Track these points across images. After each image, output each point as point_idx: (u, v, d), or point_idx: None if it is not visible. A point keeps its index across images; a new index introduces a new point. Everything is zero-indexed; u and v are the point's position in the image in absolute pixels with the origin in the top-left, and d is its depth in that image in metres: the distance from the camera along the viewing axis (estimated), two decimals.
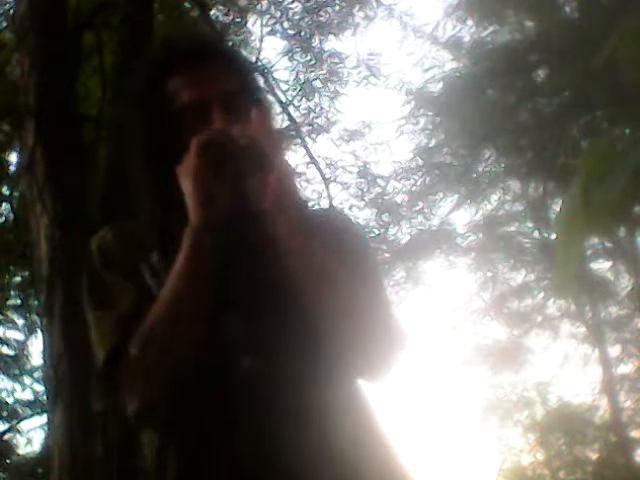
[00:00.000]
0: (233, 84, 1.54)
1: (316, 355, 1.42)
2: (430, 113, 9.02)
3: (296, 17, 7.71)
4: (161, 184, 1.50)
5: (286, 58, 7.76)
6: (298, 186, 1.49)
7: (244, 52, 6.58)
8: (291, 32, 7.73)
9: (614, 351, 11.60)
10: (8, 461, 8.55)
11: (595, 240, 9.22)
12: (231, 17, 7.41)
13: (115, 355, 1.41)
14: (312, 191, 7.54)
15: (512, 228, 10.37)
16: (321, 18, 7.80)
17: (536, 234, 10.36)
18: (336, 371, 1.44)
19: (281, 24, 7.66)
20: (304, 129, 7.71)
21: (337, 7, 7.90)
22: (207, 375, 1.40)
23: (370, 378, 1.50)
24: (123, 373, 1.40)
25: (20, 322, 8.07)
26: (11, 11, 5.11)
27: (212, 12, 6.78)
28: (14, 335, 8.34)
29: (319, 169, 7.30)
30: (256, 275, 1.47)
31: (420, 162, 9.24)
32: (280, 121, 6.56)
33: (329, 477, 1.37)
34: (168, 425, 1.44)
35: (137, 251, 1.50)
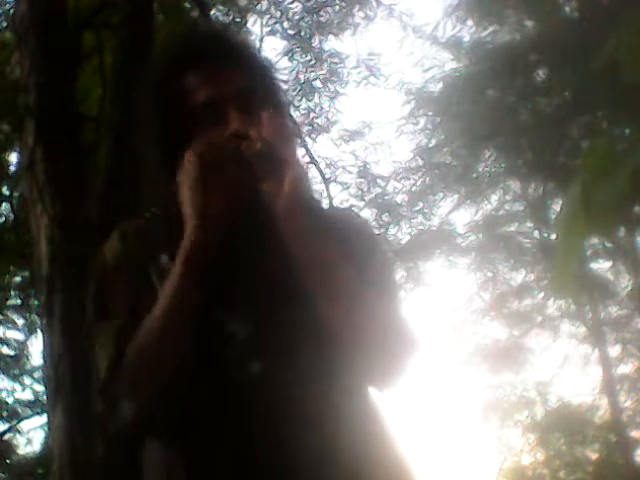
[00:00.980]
0: (249, 83, 1.50)
1: (326, 359, 1.40)
2: (430, 113, 9.02)
3: (296, 17, 7.72)
4: (175, 182, 1.47)
5: (286, 58, 7.78)
6: (311, 187, 1.48)
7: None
8: (291, 32, 7.74)
9: (614, 351, 11.61)
10: (8, 461, 8.55)
11: (595, 240, 9.22)
12: (231, 17, 7.41)
13: (113, 366, 1.42)
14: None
15: (512, 228, 10.37)
16: (321, 18, 7.81)
17: (536, 234, 10.37)
18: (347, 375, 1.42)
19: (281, 24, 7.67)
20: (304, 129, 7.71)
21: (337, 7, 7.90)
22: (215, 377, 1.39)
23: (381, 384, 1.47)
24: (120, 382, 1.41)
25: (20, 322, 8.08)
26: (11, 11, 5.10)
27: (212, 12, 6.78)
28: (14, 335, 8.36)
29: (319, 169, 7.31)
30: (267, 277, 1.45)
31: (420, 162, 9.25)
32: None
33: None
34: (173, 431, 1.43)
35: (146, 251, 1.48)
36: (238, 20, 7.45)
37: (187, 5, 6.46)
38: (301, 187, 1.38)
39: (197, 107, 1.47)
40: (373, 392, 1.49)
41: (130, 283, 1.47)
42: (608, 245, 10.09)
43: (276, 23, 7.65)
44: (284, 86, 7.48)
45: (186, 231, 1.37)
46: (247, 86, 1.50)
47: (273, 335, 1.41)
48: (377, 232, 8.37)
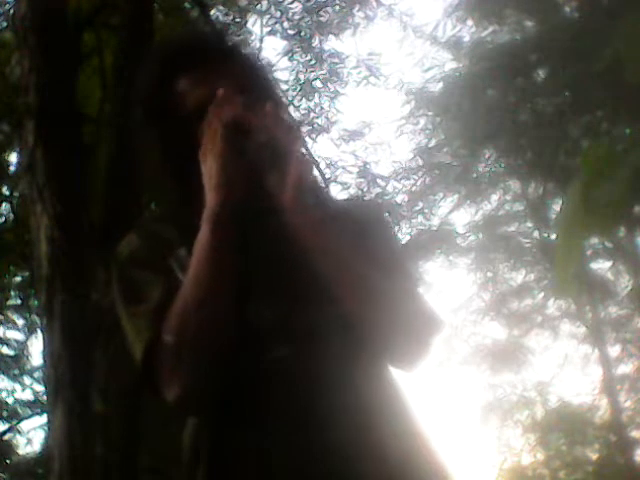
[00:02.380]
0: (242, 81, 1.51)
1: (352, 343, 1.41)
2: (430, 113, 9.02)
3: (296, 17, 7.71)
4: (180, 182, 1.49)
5: (286, 58, 7.78)
6: (316, 178, 1.48)
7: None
8: (291, 32, 7.74)
9: (614, 351, 11.62)
10: (8, 461, 8.56)
11: (595, 240, 9.22)
12: (231, 17, 7.42)
13: (153, 347, 1.39)
14: None
15: (512, 228, 10.37)
16: (321, 18, 7.81)
17: (536, 234, 10.36)
18: (373, 358, 1.43)
19: (281, 24, 7.67)
20: (304, 129, 7.71)
21: (337, 7, 7.90)
22: (241, 362, 1.39)
23: (407, 364, 1.49)
24: (161, 362, 1.38)
25: (20, 322, 8.09)
26: (11, 11, 5.11)
27: (212, 12, 6.78)
28: (14, 335, 8.36)
29: (319, 169, 7.30)
30: (287, 263, 1.46)
31: (420, 162, 9.25)
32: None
33: (363, 468, 1.35)
34: (205, 412, 1.43)
35: (164, 249, 1.48)
36: (238, 20, 7.46)
37: (187, 5, 6.46)
38: (306, 179, 1.39)
39: (191, 110, 1.48)
40: (397, 375, 1.50)
41: (156, 271, 1.46)
42: (608, 245, 10.09)
43: (276, 23, 7.66)
44: (283, 86, 7.49)
45: (208, 193, 1.38)
46: (239, 84, 1.50)
47: (298, 321, 1.42)
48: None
